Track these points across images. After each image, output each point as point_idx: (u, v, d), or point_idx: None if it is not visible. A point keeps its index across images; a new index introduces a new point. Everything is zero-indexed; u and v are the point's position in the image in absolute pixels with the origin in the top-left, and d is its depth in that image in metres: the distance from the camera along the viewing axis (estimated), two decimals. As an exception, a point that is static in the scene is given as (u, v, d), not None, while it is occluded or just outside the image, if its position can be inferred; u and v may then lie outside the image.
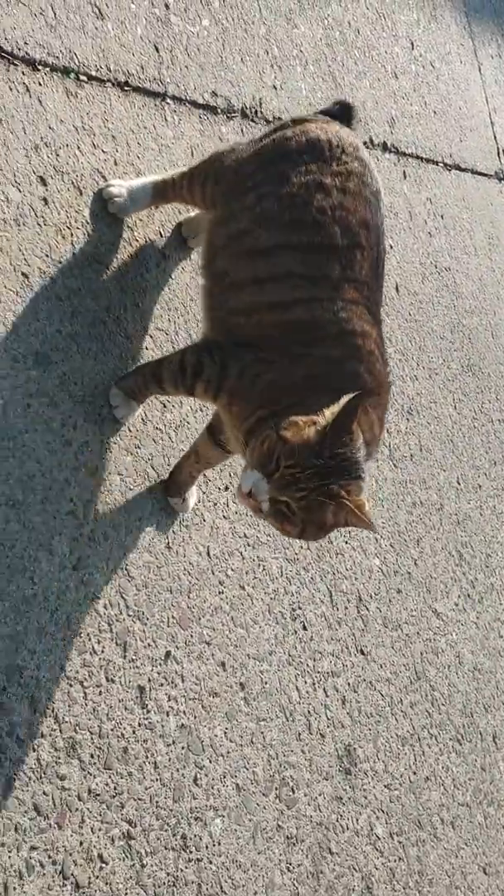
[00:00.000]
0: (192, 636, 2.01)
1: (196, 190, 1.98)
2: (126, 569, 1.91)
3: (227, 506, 2.16)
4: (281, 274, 1.71)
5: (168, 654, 1.94)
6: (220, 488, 2.21)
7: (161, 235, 2.22)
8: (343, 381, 1.62)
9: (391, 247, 3.42)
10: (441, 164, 4.09)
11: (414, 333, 3.41)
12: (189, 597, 2.05)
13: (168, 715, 1.90)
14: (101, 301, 2.02)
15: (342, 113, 2.02)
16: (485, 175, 4.49)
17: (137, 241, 2.15)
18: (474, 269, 4.08)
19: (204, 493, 2.17)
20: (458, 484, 3.38)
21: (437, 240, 3.82)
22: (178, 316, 2.22)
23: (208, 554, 2.12)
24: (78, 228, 2.00)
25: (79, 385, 1.92)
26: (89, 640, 1.78)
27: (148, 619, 1.93)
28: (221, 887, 1.90)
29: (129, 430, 2.03)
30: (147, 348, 2.11)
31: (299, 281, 1.70)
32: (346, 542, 2.65)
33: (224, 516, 2.18)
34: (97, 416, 1.94)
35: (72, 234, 1.99)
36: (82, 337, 1.96)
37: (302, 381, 1.63)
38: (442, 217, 3.93)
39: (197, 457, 2.01)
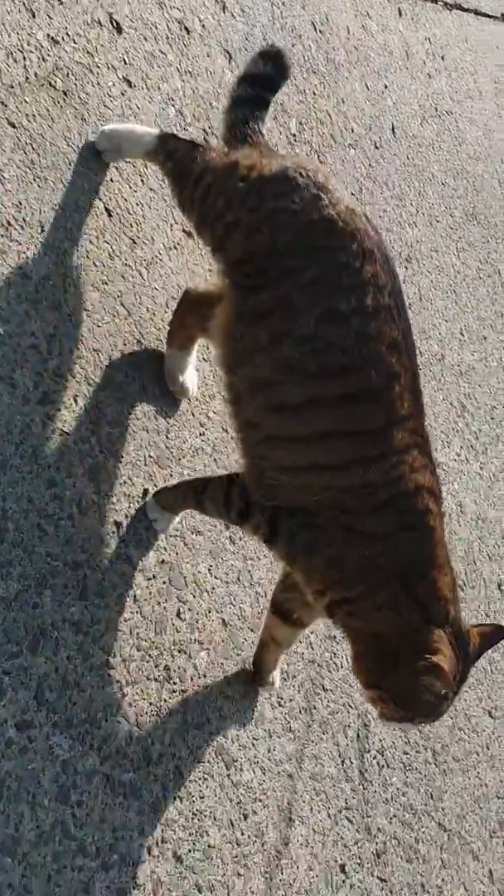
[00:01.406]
0: (171, 475, 1.98)
1: None
2: (98, 407, 1.87)
3: (207, 348, 2.09)
4: (319, 433, 1.57)
5: (146, 491, 1.91)
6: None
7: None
8: (402, 559, 1.57)
9: (386, 87, 3.25)
10: (441, 3, 3.86)
11: (412, 178, 3.27)
12: (168, 437, 2.01)
13: (147, 550, 1.88)
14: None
15: (274, 68, 1.86)
16: (490, 17, 4.24)
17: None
18: (479, 115, 3.88)
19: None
20: (462, 335, 3.29)
21: (438, 82, 3.63)
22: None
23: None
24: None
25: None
26: (59, 473, 1.75)
27: (123, 456, 1.89)
28: (208, 718, 1.91)
29: (96, 265, 1.95)
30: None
31: (343, 440, 1.56)
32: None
33: (204, 358, 2.12)
34: (57, 249, 1.87)
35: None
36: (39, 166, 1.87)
37: (359, 565, 1.57)
38: (442, 58, 3.73)
39: (275, 643, 1.95)
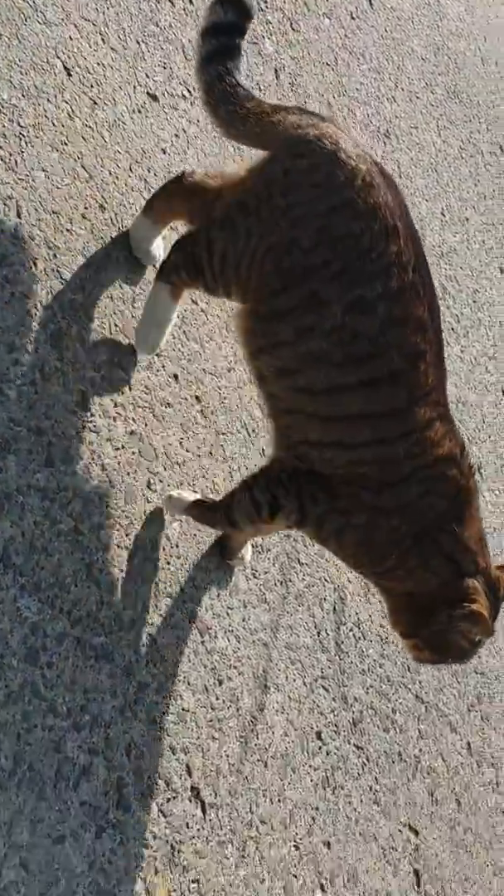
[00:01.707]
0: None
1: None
2: (58, 271, 1.82)
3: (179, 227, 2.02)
4: (342, 415, 1.58)
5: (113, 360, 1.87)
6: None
7: None
8: (430, 524, 1.61)
9: (362, -48, 3.11)
10: None
11: (391, 52, 3.15)
12: (133, 306, 1.95)
13: (115, 420, 1.85)
14: None
15: (235, 13, 1.71)
16: None
17: None
18: (461, -13, 3.73)
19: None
20: (443, 215, 3.21)
21: (418, -50, 3.48)
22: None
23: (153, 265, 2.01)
24: None
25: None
26: (20, 338, 1.71)
27: (86, 323, 1.85)
28: (181, 587, 1.91)
29: (54, 125, 1.88)
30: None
31: (365, 421, 1.57)
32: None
33: (172, 227, 2.05)
34: (13, 107, 1.79)
35: None
36: None
37: (387, 537, 1.62)
38: None
39: None
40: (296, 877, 1.97)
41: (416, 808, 2.35)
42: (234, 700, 1.95)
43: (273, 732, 2.01)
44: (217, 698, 1.92)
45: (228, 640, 1.98)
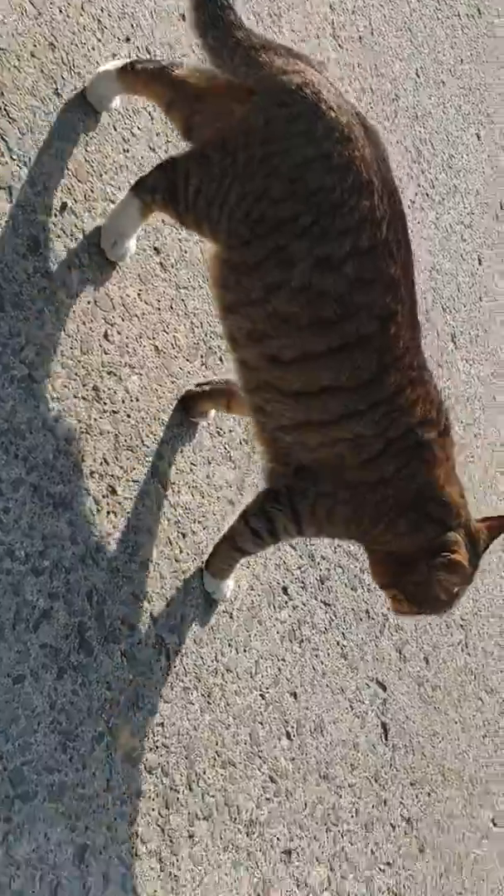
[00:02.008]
0: (92, 191, 1.87)
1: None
2: (5, 109, 1.74)
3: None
4: (314, 389, 1.56)
5: (65, 205, 1.81)
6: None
7: None
8: (408, 493, 1.62)
9: None
10: None
11: None
12: (87, 150, 1.88)
13: (69, 268, 1.80)
14: None
15: None
16: None
17: None
18: None
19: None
20: (417, 76, 3.10)
21: None
22: None
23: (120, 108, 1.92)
24: None
25: None
26: (-36, 177, 1.64)
27: (37, 167, 1.78)
28: (142, 441, 1.89)
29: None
30: None
31: (334, 395, 1.55)
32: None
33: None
34: None
35: None
36: None
37: (374, 511, 1.64)
38: None
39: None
40: (261, 724, 2.01)
41: (383, 664, 2.38)
42: (198, 553, 1.95)
43: (239, 586, 2.02)
44: (181, 551, 1.92)
45: (192, 496, 1.97)
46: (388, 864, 2.24)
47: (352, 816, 2.17)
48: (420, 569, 1.64)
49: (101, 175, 1.90)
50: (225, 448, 2.08)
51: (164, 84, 1.75)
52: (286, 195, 1.50)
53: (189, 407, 1.97)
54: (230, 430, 2.09)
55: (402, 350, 1.55)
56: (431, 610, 1.75)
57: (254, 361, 1.62)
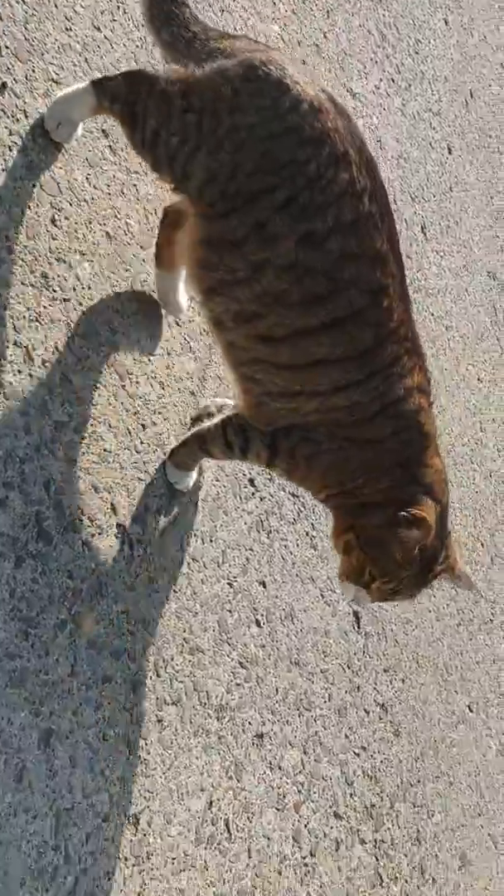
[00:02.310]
0: (33, 70, 1.79)
1: None
2: None
3: None
4: (308, 363, 1.55)
5: (4, 85, 1.74)
6: None
7: None
8: (399, 455, 1.60)
9: None
10: None
11: None
12: (27, 28, 1.80)
13: (11, 149, 1.73)
14: None
15: None
16: None
17: None
18: None
19: None
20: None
21: None
22: None
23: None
24: None
25: None
26: None
27: (-28, 44, 1.70)
28: (96, 330, 1.84)
29: None
30: None
31: (330, 367, 1.54)
32: None
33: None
34: None
35: None
36: None
37: (360, 465, 1.61)
38: None
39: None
40: (230, 612, 2.01)
41: (355, 554, 2.38)
42: (160, 445, 1.92)
43: (203, 477, 2.00)
44: (142, 442, 1.89)
45: (151, 386, 1.94)
46: (363, 748, 2.27)
47: (324, 702, 2.20)
48: (385, 513, 1.57)
49: (42, 55, 1.82)
50: (185, 339, 2.04)
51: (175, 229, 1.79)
52: (257, 169, 1.48)
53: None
54: (190, 321, 2.05)
55: (397, 323, 1.54)
56: (382, 565, 1.60)
57: (242, 342, 1.60)
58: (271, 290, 1.51)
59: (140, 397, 1.91)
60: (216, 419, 1.79)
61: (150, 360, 1.95)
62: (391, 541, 1.56)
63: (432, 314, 2.89)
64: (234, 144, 1.50)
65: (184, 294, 1.95)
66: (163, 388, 1.96)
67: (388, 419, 1.58)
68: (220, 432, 1.76)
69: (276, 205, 1.47)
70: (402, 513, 1.54)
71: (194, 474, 1.94)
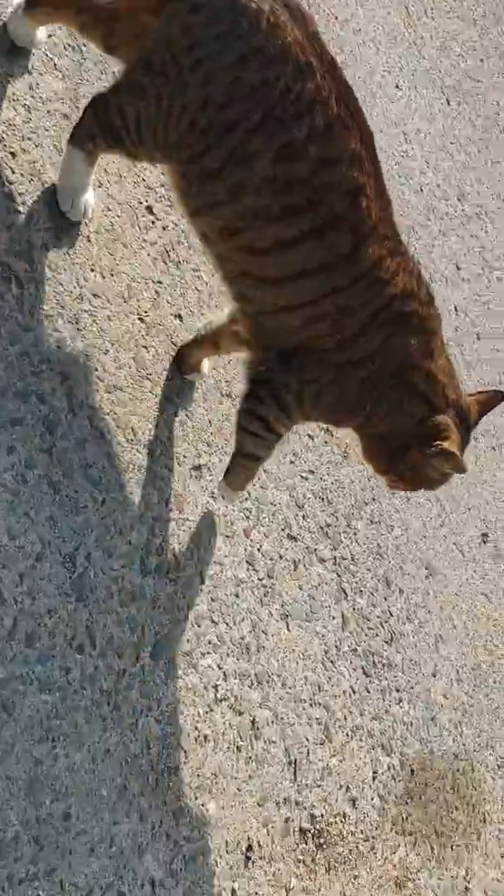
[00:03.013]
0: None
1: None
2: None
3: None
4: (291, 274, 1.58)
5: None
6: None
7: None
8: (397, 361, 1.65)
9: None
10: None
11: None
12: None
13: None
14: None
15: None
16: None
17: None
18: None
19: None
20: None
21: None
22: None
23: None
24: None
25: None
26: None
27: None
28: None
29: None
30: None
31: (315, 274, 1.57)
32: None
33: None
34: None
35: None
36: None
37: (359, 388, 1.66)
38: None
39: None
40: (146, 348, 1.92)
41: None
42: (35, 174, 1.76)
43: (92, 208, 1.85)
44: (13, 172, 1.73)
45: (16, 111, 1.76)
46: (311, 471, 2.24)
47: (263, 429, 2.14)
48: (414, 456, 1.68)
49: None
50: (47, 56, 1.84)
51: (71, 9, 1.65)
52: (229, 98, 1.47)
53: (181, 362, 1.94)
54: (50, 37, 1.84)
55: (375, 221, 1.55)
56: (427, 488, 1.83)
57: (229, 254, 1.62)
58: (251, 207, 1.53)
59: (3, 122, 1.73)
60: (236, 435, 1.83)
61: (9, 80, 1.76)
62: (429, 472, 1.72)
63: (335, 17, 2.64)
64: (200, 78, 1.47)
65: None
66: (29, 112, 1.78)
67: (378, 327, 1.61)
68: (244, 433, 1.78)
69: (251, 128, 1.48)
70: (431, 450, 1.63)
71: (90, 199, 1.80)
